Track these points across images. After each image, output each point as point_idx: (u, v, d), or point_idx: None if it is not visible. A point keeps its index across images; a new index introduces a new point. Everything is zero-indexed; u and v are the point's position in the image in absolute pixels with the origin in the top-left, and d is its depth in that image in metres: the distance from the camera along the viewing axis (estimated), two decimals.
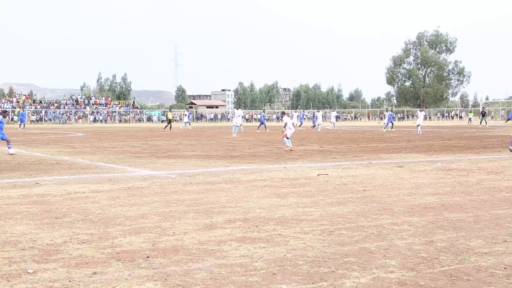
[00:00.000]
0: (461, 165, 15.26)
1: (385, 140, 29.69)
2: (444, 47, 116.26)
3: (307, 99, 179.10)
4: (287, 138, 21.73)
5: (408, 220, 7.67)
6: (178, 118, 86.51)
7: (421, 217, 7.88)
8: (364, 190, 10.52)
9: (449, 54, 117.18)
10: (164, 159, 17.67)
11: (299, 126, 53.41)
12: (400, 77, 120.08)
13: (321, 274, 5.21)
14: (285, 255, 5.86)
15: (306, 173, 13.53)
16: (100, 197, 9.84)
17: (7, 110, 79.72)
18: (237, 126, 38.42)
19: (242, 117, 42.51)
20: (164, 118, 76.95)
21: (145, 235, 6.83)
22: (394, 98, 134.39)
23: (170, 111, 55.74)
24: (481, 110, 51.11)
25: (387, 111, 48.04)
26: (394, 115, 48.93)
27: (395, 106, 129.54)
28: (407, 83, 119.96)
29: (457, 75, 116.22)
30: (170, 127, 47.49)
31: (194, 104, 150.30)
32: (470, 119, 73.15)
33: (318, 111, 52.74)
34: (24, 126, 51.10)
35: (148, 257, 5.81)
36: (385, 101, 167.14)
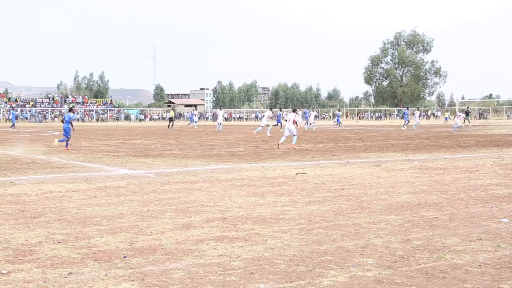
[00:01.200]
0: (437, 164, 15.41)
1: (363, 139, 29.89)
2: (421, 47, 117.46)
3: (286, 98, 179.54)
4: (285, 136, 22.57)
5: (385, 219, 7.73)
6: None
7: (398, 216, 7.94)
8: (342, 189, 10.57)
9: (426, 54, 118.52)
10: (142, 158, 17.57)
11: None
12: (378, 77, 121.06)
13: (299, 273, 5.22)
14: (263, 254, 5.86)
15: (284, 172, 13.55)
16: (77, 196, 9.74)
17: (74, 106, 79.20)
18: (220, 124, 43.47)
19: (222, 116, 44.04)
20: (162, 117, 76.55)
21: (122, 234, 6.77)
22: (372, 97, 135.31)
23: (173, 109, 55.49)
24: (465, 109, 51.74)
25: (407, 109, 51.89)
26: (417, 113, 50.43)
27: (373, 105, 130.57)
28: (385, 83, 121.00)
29: (434, 75, 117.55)
30: (172, 125, 47.41)
31: (173, 103, 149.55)
32: (446, 118, 74.03)
33: (313, 110, 53.73)
34: (13, 126, 51.22)
35: (125, 257, 5.77)
36: (363, 101, 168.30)
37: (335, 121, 53.92)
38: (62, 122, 23.37)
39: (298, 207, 8.63)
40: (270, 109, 49.64)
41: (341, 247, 6.15)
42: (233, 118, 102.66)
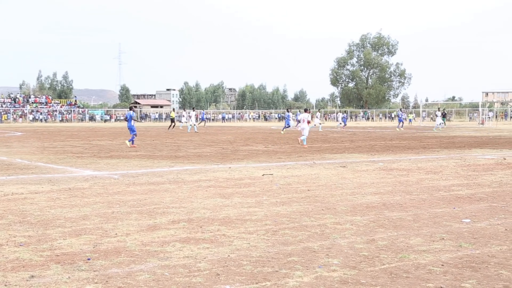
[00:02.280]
0: (401, 165, 15.63)
1: (329, 140, 30.13)
2: (386, 50, 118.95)
3: (253, 99, 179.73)
4: (304, 135, 24.31)
5: (350, 219, 7.80)
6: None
7: (363, 216, 8.02)
8: (308, 190, 10.63)
9: (391, 56, 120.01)
10: (106, 159, 17.37)
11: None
12: (344, 78, 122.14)
13: (265, 274, 5.22)
14: (229, 256, 5.85)
15: (251, 173, 13.56)
16: (39, 198, 9.57)
17: (136, 105, 77.82)
18: (193, 125, 43.34)
19: (189, 117, 43.93)
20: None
21: (86, 236, 6.68)
22: (338, 99, 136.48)
23: (174, 110, 55.24)
24: (442, 111, 52.73)
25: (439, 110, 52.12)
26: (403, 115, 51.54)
27: (339, 107, 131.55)
28: (351, 84, 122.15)
29: (399, 77, 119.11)
30: (173, 126, 47.75)
31: (138, 103, 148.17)
32: (410, 120, 75.01)
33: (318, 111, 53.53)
34: None
35: (88, 259, 5.69)
36: (329, 102, 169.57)
37: (340, 123, 54.16)
38: (126, 120, 25.64)
39: (265, 208, 8.65)
40: (193, 108, 50.28)
41: (307, 248, 6.18)
42: (200, 119, 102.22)
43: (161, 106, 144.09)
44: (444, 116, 57.33)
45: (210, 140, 29.87)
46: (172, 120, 48.82)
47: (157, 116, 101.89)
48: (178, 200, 9.43)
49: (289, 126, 42.85)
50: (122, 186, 11.10)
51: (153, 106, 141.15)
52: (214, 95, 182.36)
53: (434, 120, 56.15)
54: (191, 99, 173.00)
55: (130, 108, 25.73)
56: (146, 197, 9.74)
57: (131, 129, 24.08)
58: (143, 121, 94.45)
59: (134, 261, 5.61)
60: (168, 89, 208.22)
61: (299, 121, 26.41)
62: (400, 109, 59.96)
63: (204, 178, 12.54)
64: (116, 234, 6.84)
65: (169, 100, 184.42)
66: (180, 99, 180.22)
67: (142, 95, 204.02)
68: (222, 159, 17.50)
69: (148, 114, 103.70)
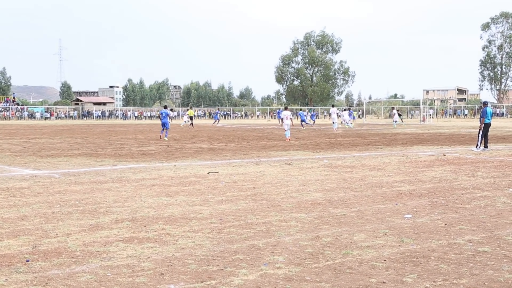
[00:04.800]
0: (346, 162, 15.88)
1: (274, 138, 30.30)
2: (330, 48, 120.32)
3: (198, 97, 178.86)
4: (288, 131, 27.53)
5: (295, 217, 7.87)
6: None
7: (308, 213, 8.11)
8: (254, 188, 10.66)
9: (335, 54, 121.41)
10: (47, 158, 16.93)
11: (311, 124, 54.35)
12: (289, 76, 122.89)
13: (210, 272, 5.21)
14: (173, 255, 5.80)
15: (196, 171, 13.50)
16: None
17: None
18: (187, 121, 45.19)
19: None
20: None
21: (25, 237, 6.49)
22: (284, 96, 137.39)
23: (191, 108, 54.09)
24: (396, 111, 53.90)
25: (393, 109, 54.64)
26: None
27: (284, 104, 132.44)
28: (296, 82, 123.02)
29: (343, 75, 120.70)
30: (192, 124, 47.38)
31: (80, 100, 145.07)
32: (354, 118, 76.28)
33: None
34: None
35: (27, 260, 5.52)
36: (274, 100, 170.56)
37: (343, 120, 49.09)
38: (159, 118, 31.50)
39: (210, 206, 8.62)
40: (171, 109, 51.17)
41: (252, 246, 6.20)
42: (144, 116, 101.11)
43: (104, 104, 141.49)
44: (399, 115, 58.80)
45: (154, 138, 29.57)
46: (191, 118, 48.45)
47: (99, 114, 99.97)
48: (121, 199, 9.29)
49: (305, 122, 49.04)
50: (63, 185, 10.84)
51: (95, 104, 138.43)
52: (159, 92, 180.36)
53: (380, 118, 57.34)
54: (135, 96, 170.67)
55: (165, 107, 31.33)
56: (88, 196, 9.55)
57: (164, 124, 28.59)
58: (85, 118, 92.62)
59: (75, 262, 5.49)
60: (111, 86, 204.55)
61: (282, 118, 29.25)
62: (301, 109, 61.02)
63: (148, 176, 12.40)
64: (56, 234, 6.67)
65: (112, 98, 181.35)
66: (124, 96, 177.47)
67: (84, 92, 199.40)
68: (167, 157, 17.35)
69: (91, 111, 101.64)
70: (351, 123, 46.25)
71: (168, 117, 29.64)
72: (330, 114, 46.81)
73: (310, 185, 11.03)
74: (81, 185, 10.98)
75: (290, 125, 28.45)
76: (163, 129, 28.80)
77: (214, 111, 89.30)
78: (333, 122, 41.01)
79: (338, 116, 46.99)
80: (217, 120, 61.12)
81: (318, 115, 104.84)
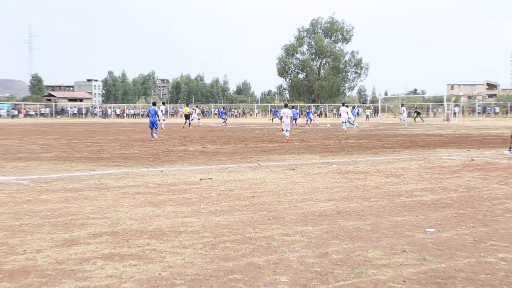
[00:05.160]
0: (358, 167, 15.86)
1: (276, 139, 30.31)
2: (340, 36, 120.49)
3: (189, 92, 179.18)
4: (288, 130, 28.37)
5: (301, 230, 7.84)
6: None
7: (315, 226, 8.08)
8: (253, 197, 10.64)
9: (346, 43, 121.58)
10: (14, 162, 16.92)
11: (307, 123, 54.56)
12: (293, 69, 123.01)
13: None
14: (160, 274, 5.78)
15: (186, 177, 13.48)
16: None
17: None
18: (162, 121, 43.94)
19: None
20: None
21: None
22: (287, 92, 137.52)
23: (188, 106, 54.55)
24: (405, 108, 54.03)
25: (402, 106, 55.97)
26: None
27: (288, 101, 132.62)
28: (301, 76, 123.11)
29: (354, 67, 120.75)
30: (189, 123, 47.80)
31: (53, 96, 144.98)
32: (367, 116, 76.44)
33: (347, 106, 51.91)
34: None
35: None
36: (276, 96, 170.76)
37: (353, 120, 48.40)
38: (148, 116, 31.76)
39: (202, 218, 8.60)
40: (163, 102, 52.11)
41: (251, 264, 6.17)
42: (127, 114, 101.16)
43: (81, 100, 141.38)
44: (418, 113, 58.86)
45: (138, 139, 29.57)
46: (187, 117, 48.83)
47: (75, 111, 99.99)
48: (100, 209, 9.26)
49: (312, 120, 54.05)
50: (33, 194, 10.82)
51: (71, 100, 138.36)
52: (144, 87, 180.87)
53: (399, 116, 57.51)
54: (117, 91, 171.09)
55: (154, 104, 32.49)
56: (62, 206, 9.53)
57: (152, 123, 29.74)
58: (58, 116, 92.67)
59: (46, 283, 5.46)
60: (89, 80, 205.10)
61: (281, 117, 29.45)
62: (293, 107, 61.48)
63: (131, 183, 12.38)
64: (24, 250, 6.64)
65: (90, 93, 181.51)
66: (104, 91, 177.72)
67: (57, 86, 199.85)
68: (153, 161, 17.34)
69: (65, 108, 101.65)
70: (353, 121, 46.07)
71: (157, 115, 30.50)
72: (339, 113, 47.01)
73: (318, 194, 11.01)
74: (54, 193, 10.95)
75: (290, 125, 29.27)
76: (152, 128, 29.55)
77: (207, 108, 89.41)
78: (343, 122, 41.25)
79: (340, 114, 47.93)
80: (224, 120, 60.57)
81: (325, 113, 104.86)
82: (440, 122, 66.38)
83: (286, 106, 31.71)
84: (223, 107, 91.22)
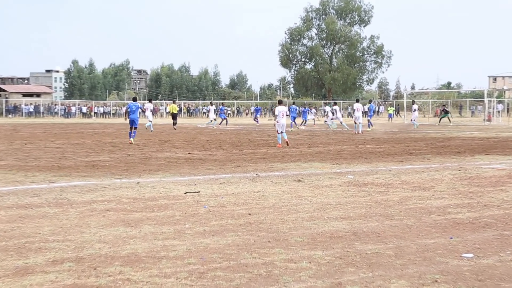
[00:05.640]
0: (378, 178, 15.86)
1: (277, 144, 30.29)
2: (357, 18, 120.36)
3: (171, 85, 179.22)
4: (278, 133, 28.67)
5: (308, 255, 7.83)
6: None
7: (325, 251, 8.07)
8: (249, 214, 10.64)
9: (364, 27, 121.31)
10: None
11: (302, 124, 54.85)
12: (299, 57, 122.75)
13: None
14: None
15: (168, 190, 13.47)
16: None
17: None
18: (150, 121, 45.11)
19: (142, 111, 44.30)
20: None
21: None
22: (291, 86, 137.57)
23: (174, 102, 54.48)
24: (416, 105, 54.13)
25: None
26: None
27: (293, 97, 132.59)
28: (308, 66, 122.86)
29: (374, 56, 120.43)
30: (175, 123, 48.64)
31: (4, 90, 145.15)
32: (390, 115, 76.56)
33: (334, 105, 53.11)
34: None
35: None
36: (278, 90, 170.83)
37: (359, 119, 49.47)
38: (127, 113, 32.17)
39: (188, 241, 8.59)
40: (150, 99, 52.06)
41: None
42: (95, 113, 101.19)
43: (38, 95, 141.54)
44: (446, 112, 59.03)
45: (109, 144, 29.54)
46: (174, 117, 49.22)
47: (31, 109, 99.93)
48: (61, 230, 9.26)
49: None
50: None
51: (26, 95, 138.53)
52: (116, 80, 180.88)
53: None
54: (83, 85, 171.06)
55: (135, 99, 33.37)
56: (14, 226, 9.52)
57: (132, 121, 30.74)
58: (10, 115, 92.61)
59: None
60: (48, 71, 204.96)
61: (276, 116, 29.44)
62: (293, 103, 61.94)
63: (100, 198, 12.37)
64: None
65: (50, 86, 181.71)
66: (67, 85, 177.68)
67: (9, 78, 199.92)
68: (127, 171, 17.33)
69: (19, 106, 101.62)
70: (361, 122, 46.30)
71: (138, 113, 31.76)
72: (353, 111, 47.20)
73: (329, 211, 11.01)
74: (4, 210, 10.95)
75: (285, 126, 29.40)
76: (132, 128, 30.46)
77: (203, 105, 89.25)
78: (355, 123, 42.02)
79: (333, 113, 49.32)
80: (225, 119, 59.78)
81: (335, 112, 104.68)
82: (479, 122, 66.43)
83: (280, 102, 31.54)
84: (222, 103, 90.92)
